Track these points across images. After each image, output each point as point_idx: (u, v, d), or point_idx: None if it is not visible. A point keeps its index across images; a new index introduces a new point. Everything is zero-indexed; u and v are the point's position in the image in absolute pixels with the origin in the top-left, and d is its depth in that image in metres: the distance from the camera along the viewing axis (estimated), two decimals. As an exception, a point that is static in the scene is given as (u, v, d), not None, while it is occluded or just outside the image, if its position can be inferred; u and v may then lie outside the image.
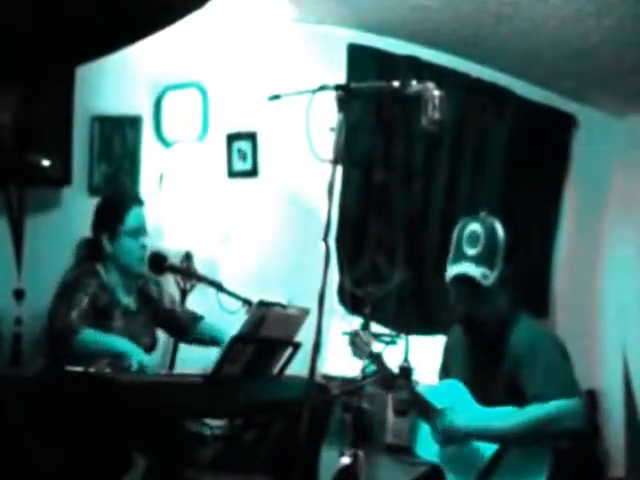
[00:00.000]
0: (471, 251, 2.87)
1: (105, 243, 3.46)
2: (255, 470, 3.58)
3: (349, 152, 4.07)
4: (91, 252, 3.51)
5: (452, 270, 2.90)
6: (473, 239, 2.88)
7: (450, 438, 2.91)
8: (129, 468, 3.24)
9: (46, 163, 4.13)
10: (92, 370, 3.08)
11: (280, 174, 4.41)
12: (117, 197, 3.69)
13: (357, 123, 4.15)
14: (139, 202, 3.59)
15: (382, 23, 4.01)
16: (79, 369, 3.06)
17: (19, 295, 4.07)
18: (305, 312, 3.31)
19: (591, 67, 3.62)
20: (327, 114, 2.81)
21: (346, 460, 3.28)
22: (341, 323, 4.16)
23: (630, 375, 3.76)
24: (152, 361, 3.40)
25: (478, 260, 2.85)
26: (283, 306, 3.30)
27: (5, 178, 4.12)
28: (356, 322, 3.94)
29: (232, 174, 4.47)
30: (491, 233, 2.87)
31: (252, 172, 4.45)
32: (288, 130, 4.18)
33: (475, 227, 2.89)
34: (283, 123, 4.21)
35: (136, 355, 3.26)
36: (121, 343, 3.30)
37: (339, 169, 3.85)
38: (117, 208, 3.51)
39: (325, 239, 2.71)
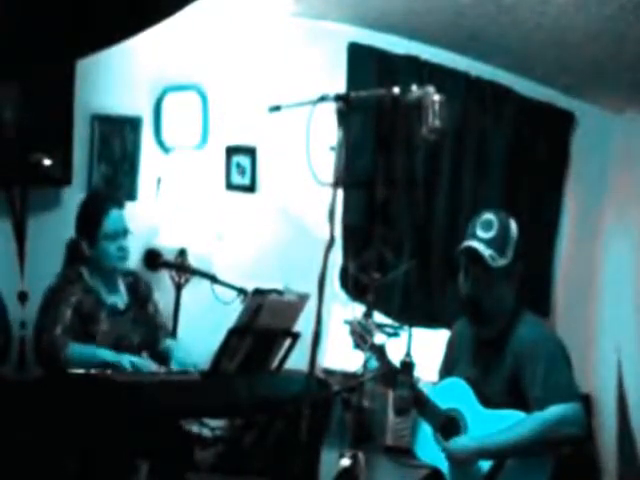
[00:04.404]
0: (484, 235, 2.91)
1: (84, 246, 3.52)
2: (256, 471, 3.60)
3: (350, 168, 4.04)
4: (75, 255, 3.57)
5: (462, 245, 2.94)
6: (486, 225, 2.92)
7: (453, 461, 2.90)
8: (132, 472, 3.26)
9: (47, 162, 4.12)
10: (93, 371, 3.11)
11: (279, 193, 4.43)
12: (95, 200, 3.69)
13: (357, 136, 4.17)
14: (118, 205, 3.60)
15: (381, 14, 4.00)
16: (80, 371, 3.09)
17: (23, 298, 4.07)
18: (304, 298, 3.31)
19: (590, 60, 3.59)
20: (328, 112, 2.83)
21: (346, 462, 3.28)
22: (342, 311, 4.13)
23: (623, 379, 3.75)
24: (144, 360, 3.43)
25: (489, 242, 2.89)
26: (280, 292, 3.31)
27: (8, 178, 4.11)
28: (358, 310, 3.87)
29: (230, 187, 4.48)
30: (504, 223, 2.93)
31: (250, 188, 4.46)
32: (288, 143, 4.17)
33: (489, 216, 2.94)
34: (283, 135, 4.21)
35: (125, 360, 3.32)
36: (105, 353, 3.36)
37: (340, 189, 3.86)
38: (94, 212, 3.54)
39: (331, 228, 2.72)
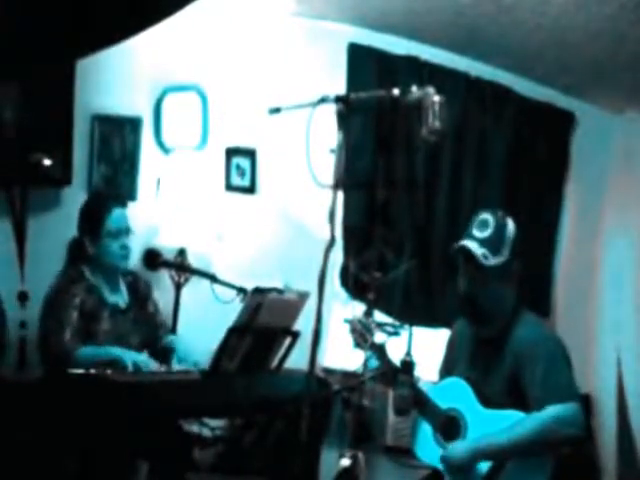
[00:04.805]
0: (479, 234, 2.93)
1: (88, 244, 3.54)
2: (256, 471, 3.59)
3: (350, 169, 4.03)
4: (77, 254, 3.60)
5: (456, 244, 2.97)
6: (482, 224, 2.94)
7: (454, 469, 2.88)
8: (132, 472, 3.27)
9: (47, 162, 4.12)
10: (93, 371, 3.12)
11: (279, 194, 4.43)
12: (98, 199, 3.78)
13: (357, 137, 4.16)
14: (121, 204, 3.67)
15: (382, 14, 4.00)
16: (80, 371, 3.09)
17: (23, 298, 4.07)
18: (304, 296, 3.31)
19: (590, 60, 3.59)
20: (328, 114, 2.83)
21: (346, 462, 3.28)
22: (342, 310, 4.14)
23: (623, 379, 3.75)
24: (146, 359, 3.43)
25: (483, 242, 2.92)
26: (280, 291, 3.32)
27: (8, 178, 4.10)
28: (359, 309, 3.85)
29: (230, 188, 4.49)
30: (501, 223, 2.94)
31: (250, 189, 4.47)
32: (288, 145, 4.16)
33: (486, 216, 2.96)
34: (283, 136, 4.21)
35: (128, 356, 3.33)
36: (113, 350, 3.39)
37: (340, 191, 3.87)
38: (98, 210, 3.59)
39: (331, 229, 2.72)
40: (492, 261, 2.89)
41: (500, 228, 2.93)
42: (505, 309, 2.97)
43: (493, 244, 2.91)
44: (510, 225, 2.94)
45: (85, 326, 3.45)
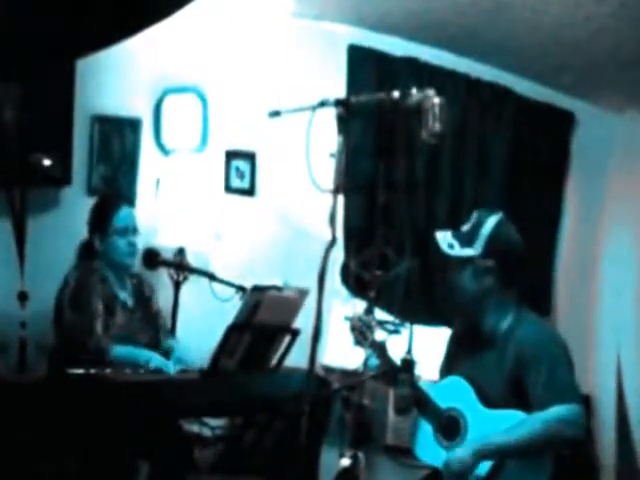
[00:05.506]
0: (462, 227, 2.97)
1: (96, 241, 3.63)
2: (256, 471, 3.59)
3: (351, 172, 3.99)
4: (88, 250, 3.68)
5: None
6: (469, 219, 2.97)
7: (456, 475, 2.86)
8: (132, 472, 3.27)
9: (47, 162, 4.12)
10: (92, 371, 3.12)
11: (279, 196, 4.44)
12: (108, 197, 3.87)
13: (358, 139, 4.17)
14: (129, 203, 3.81)
15: (381, 14, 4.00)
16: (79, 371, 3.10)
17: (23, 298, 4.06)
18: (303, 294, 3.33)
19: (590, 59, 3.60)
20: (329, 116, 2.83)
21: (346, 462, 3.28)
22: (342, 308, 4.13)
23: (623, 379, 3.75)
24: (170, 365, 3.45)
25: (456, 234, 2.96)
26: (279, 289, 3.33)
27: (8, 178, 4.10)
28: (359, 307, 3.80)
29: (229, 190, 4.51)
30: (481, 219, 2.94)
31: (249, 191, 4.48)
32: (288, 148, 4.16)
33: (476, 212, 2.98)
34: (283, 139, 4.21)
35: (160, 362, 3.40)
36: (145, 353, 3.47)
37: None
38: (107, 208, 3.69)
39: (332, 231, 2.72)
40: (458, 252, 2.91)
41: (478, 223, 2.93)
42: (487, 305, 2.95)
43: (466, 237, 2.93)
44: (490, 223, 2.92)
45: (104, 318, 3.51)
